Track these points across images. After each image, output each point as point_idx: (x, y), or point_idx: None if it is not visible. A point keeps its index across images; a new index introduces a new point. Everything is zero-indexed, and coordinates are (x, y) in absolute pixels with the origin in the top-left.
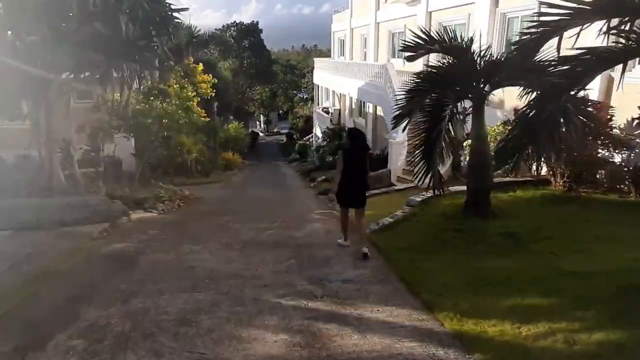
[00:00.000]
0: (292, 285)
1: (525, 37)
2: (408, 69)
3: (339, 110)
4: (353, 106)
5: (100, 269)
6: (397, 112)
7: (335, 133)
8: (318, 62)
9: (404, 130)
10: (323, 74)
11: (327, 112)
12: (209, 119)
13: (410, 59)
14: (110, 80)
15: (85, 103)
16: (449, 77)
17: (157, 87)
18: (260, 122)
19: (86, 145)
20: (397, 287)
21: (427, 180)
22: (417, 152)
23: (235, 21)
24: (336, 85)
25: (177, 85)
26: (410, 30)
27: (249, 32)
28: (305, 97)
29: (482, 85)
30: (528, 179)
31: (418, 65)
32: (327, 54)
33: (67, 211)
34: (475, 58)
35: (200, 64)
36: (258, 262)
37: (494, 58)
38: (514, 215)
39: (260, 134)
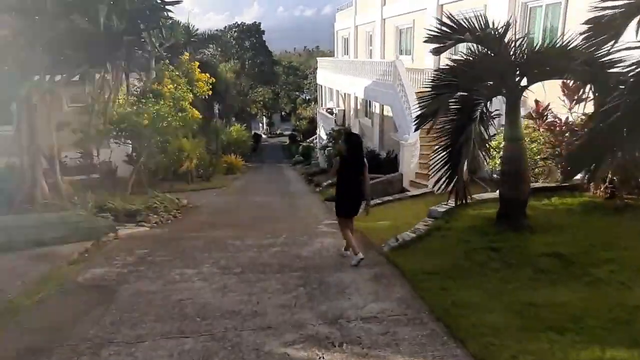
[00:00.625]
0: (302, 326)
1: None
2: (417, 66)
3: (344, 110)
4: (358, 106)
5: (71, 304)
6: (420, 112)
7: (340, 134)
8: (321, 61)
9: (426, 129)
10: (327, 74)
11: (331, 113)
12: (211, 120)
13: (437, 51)
14: (93, 81)
15: (80, 106)
16: (481, 70)
17: (151, 88)
18: (263, 124)
19: (79, 152)
20: (433, 329)
21: (448, 188)
22: (440, 156)
23: (236, 22)
24: (340, 84)
25: (172, 85)
26: (439, 23)
27: (251, 32)
28: (307, 98)
29: (517, 79)
30: (561, 184)
31: (428, 62)
32: (329, 55)
33: (45, 229)
34: (510, 48)
35: (196, 62)
36: (260, 292)
37: (536, 47)
38: (555, 229)
39: (263, 136)
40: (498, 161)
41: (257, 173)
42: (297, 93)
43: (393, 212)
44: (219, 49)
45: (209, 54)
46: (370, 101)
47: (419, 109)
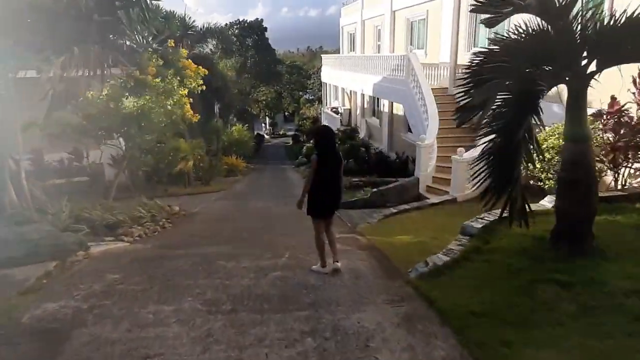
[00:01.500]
0: None
1: None
2: (431, 61)
3: (349, 110)
4: (365, 105)
5: None
6: (464, 102)
7: (347, 134)
8: (326, 58)
9: (445, 128)
10: (332, 71)
11: (337, 112)
12: (210, 119)
13: (490, 23)
14: (56, 68)
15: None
16: (540, 51)
17: (134, 79)
18: (265, 124)
19: (68, 152)
20: None
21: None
22: (487, 161)
23: (238, 19)
24: (347, 82)
25: (158, 79)
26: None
27: (253, 30)
28: (311, 98)
29: (584, 63)
30: (615, 193)
31: (444, 56)
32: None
33: (1, 247)
34: (577, 23)
35: (184, 50)
36: (254, 345)
37: (611, 22)
38: (631, 254)
39: (266, 136)
40: (539, 165)
41: (259, 175)
42: (300, 93)
43: (412, 224)
44: (221, 47)
45: (209, 50)
46: (378, 99)
47: (463, 97)
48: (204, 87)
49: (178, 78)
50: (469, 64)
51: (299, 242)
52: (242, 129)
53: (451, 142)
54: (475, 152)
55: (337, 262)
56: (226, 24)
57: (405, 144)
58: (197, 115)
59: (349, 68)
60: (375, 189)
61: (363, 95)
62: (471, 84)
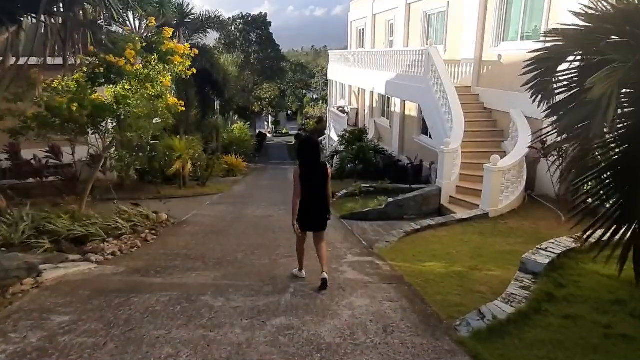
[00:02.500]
0: None
1: None
2: (451, 58)
3: (356, 109)
4: (374, 104)
5: None
6: (572, 91)
7: (355, 135)
8: (334, 54)
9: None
10: (339, 68)
11: (344, 112)
12: (207, 115)
13: None
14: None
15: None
16: None
17: (107, 64)
18: (268, 122)
19: (44, 150)
20: None
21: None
22: (601, 178)
23: (241, 12)
24: (356, 79)
25: (139, 65)
26: None
27: (257, 25)
28: (315, 97)
29: None
30: None
31: (466, 52)
32: None
33: None
34: None
35: (170, 28)
36: None
37: None
38: None
39: (268, 135)
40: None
41: (260, 176)
42: (304, 91)
43: (441, 245)
44: (223, 42)
45: (213, 45)
46: (389, 99)
47: (567, 87)
48: (194, 71)
49: (165, 65)
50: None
51: (307, 269)
52: (243, 127)
53: (474, 147)
54: (513, 159)
55: (325, 272)
56: (229, 18)
57: (418, 148)
58: (181, 103)
59: (359, 64)
60: (391, 199)
61: (372, 94)
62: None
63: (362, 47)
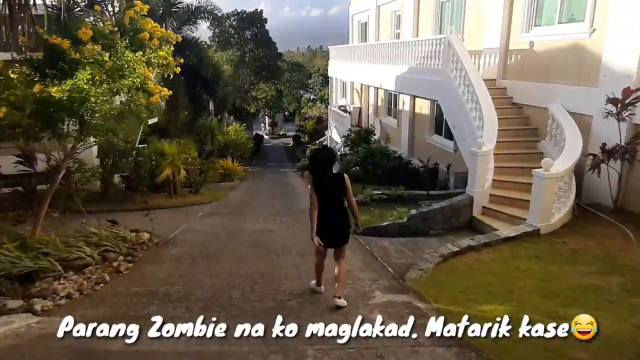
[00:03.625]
0: None
1: None
2: (470, 48)
3: (359, 108)
4: (379, 103)
5: None
6: None
7: (360, 136)
8: (335, 50)
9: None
10: (341, 64)
11: (345, 111)
12: (200, 115)
13: None
14: None
15: None
16: None
17: (45, 46)
18: (265, 124)
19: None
20: None
21: None
22: None
23: (236, 9)
24: (360, 76)
25: (106, 56)
26: None
27: (252, 22)
28: (312, 97)
29: None
30: None
31: (489, 41)
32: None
33: None
34: None
35: (151, 21)
36: None
37: None
38: None
39: (266, 137)
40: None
41: (258, 180)
42: (301, 92)
43: (493, 275)
44: (217, 39)
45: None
46: (396, 96)
47: None
48: (181, 61)
49: (142, 54)
50: None
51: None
52: (239, 129)
53: (504, 148)
54: (566, 163)
55: (339, 297)
56: (222, 15)
57: (430, 149)
58: (166, 92)
59: (364, 59)
60: (414, 211)
61: (377, 91)
62: None
63: (365, 42)
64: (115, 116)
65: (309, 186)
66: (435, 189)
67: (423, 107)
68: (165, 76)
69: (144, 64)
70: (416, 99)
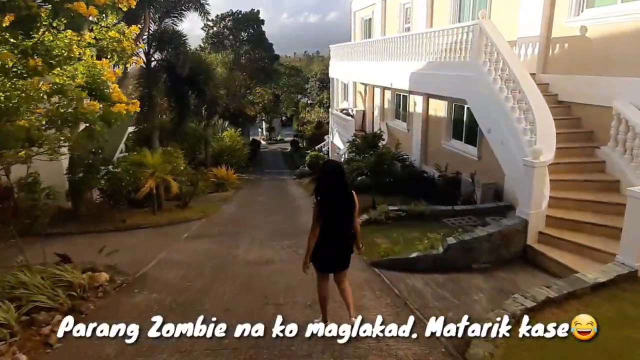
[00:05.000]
0: None
1: None
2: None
3: (363, 112)
4: (386, 105)
5: None
6: None
7: (367, 141)
8: (337, 49)
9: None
10: (343, 64)
11: (349, 115)
12: (184, 119)
13: None
14: None
15: None
16: None
17: None
18: (262, 129)
19: None
20: None
21: None
22: None
23: (231, 10)
24: (365, 76)
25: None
26: None
27: (248, 22)
28: (309, 102)
29: None
30: None
31: (527, 28)
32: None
33: None
34: None
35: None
36: None
37: None
38: None
39: (263, 142)
40: None
41: (255, 190)
42: (299, 96)
43: (604, 355)
44: (210, 40)
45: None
46: (405, 98)
47: None
48: (142, 47)
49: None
50: None
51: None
52: (234, 135)
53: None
54: None
55: (353, 317)
56: (217, 16)
57: (447, 156)
58: (133, 104)
59: (370, 57)
60: (453, 240)
61: (384, 92)
62: None
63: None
64: (49, 122)
65: (314, 211)
66: (458, 202)
67: (438, 108)
68: (126, 68)
69: (90, 47)
70: (430, 99)
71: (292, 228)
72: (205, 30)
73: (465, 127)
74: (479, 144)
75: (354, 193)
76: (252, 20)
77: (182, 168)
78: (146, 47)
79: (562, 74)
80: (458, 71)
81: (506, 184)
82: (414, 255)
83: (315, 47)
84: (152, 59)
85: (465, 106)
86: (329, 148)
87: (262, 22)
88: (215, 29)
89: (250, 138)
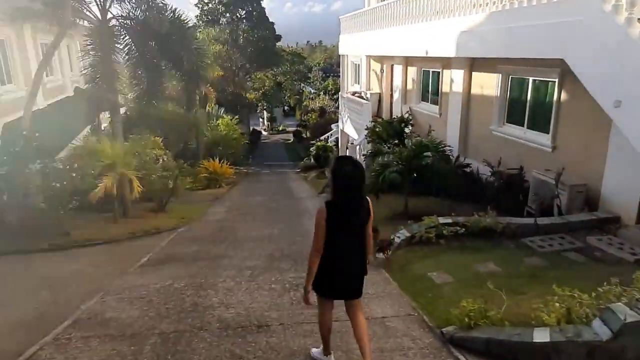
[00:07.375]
0: None
1: None
2: None
3: (379, 94)
4: (409, 86)
5: None
6: None
7: (393, 128)
8: (348, 19)
9: None
10: (357, 37)
11: (362, 98)
12: (151, 100)
13: None
14: None
15: None
16: None
17: None
18: (263, 118)
19: None
20: None
21: None
22: None
23: None
24: (386, 46)
25: None
26: None
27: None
28: (312, 91)
29: None
30: None
31: None
32: (333, 50)
33: None
34: None
35: None
36: None
37: None
38: None
39: (264, 133)
40: None
41: (252, 186)
42: (302, 84)
43: None
44: (205, 18)
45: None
46: (438, 74)
47: None
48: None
49: None
50: None
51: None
52: (230, 122)
53: None
54: None
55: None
56: None
57: (499, 146)
58: None
59: (396, 20)
60: (631, 316)
61: (406, 69)
62: None
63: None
64: None
65: (318, 222)
66: (531, 211)
67: (485, 84)
68: None
69: None
70: (474, 73)
71: (298, 248)
72: (199, 7)
73: (528, 107)
74: (553, 129)
75: (368, 200)
76: None
77: (161, 161)
78: None
79: None
80: (551, 17)
81: (604, 186)
82: (545, 341)
83: (319, 38)
84: (110, 14)
85: (530, 79)
86: (338, 138)
87: None
88: (210, 5)
89: (251, 128)
